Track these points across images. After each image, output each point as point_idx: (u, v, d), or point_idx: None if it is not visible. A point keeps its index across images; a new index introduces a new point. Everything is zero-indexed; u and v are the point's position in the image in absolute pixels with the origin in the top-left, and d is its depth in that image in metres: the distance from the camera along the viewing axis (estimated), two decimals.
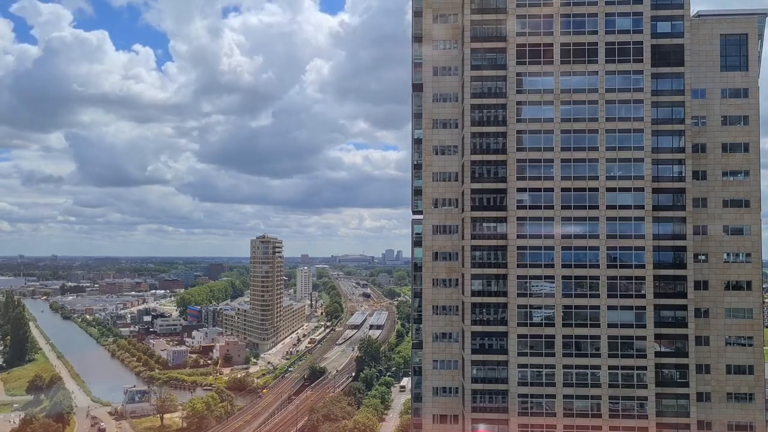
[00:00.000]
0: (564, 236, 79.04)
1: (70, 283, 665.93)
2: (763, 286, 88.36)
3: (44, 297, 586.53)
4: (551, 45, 79.42)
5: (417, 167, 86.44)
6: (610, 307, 78.24)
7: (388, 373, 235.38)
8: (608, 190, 78.77)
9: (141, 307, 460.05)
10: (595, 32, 78.99)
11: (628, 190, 78.72)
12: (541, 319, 79.04)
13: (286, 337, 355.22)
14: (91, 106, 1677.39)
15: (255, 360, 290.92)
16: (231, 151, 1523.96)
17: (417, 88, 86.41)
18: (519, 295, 79.06)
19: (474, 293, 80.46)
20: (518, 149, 79.79)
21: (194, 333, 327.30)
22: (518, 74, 79.89)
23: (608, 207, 78.71)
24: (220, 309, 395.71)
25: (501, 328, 79.96)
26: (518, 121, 79.95)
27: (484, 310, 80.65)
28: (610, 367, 77.84)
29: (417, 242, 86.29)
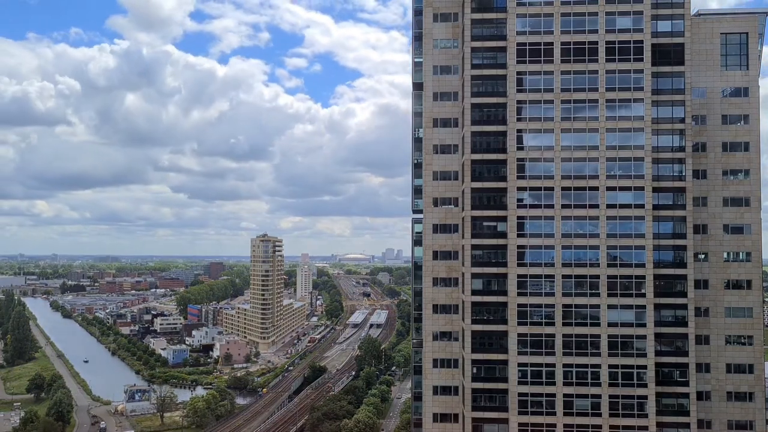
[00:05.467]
0: (564, 235, 79.01)
1: (70, 282, 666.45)
2: (763, 285, 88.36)
3: (44, 296, 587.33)
4: (551, 44, 79.35)
5: (417, 166, 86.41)
6: (610, 306, 78.22)
7: (389, 372, 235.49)
8: (608, 189, 78.74)
9: (141, 305, 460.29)
10: (596, 31, 78.92)
11: (628, 189, 78.68)
12: (541, 318, 78.99)
13: (286, 336, 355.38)
14: None
15: (255, 359, 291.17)
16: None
17: (417, 87, 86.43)
18: (519, 294, 79.02)
19: (474, 292, 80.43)
20: (518, 148, 79.75)
21: (194, 332, 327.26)
22: (518, 73, 79.82)
23: (608, 206, 78.68)
24: (221, 308, 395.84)
25: (501, 327, 79.92)
26: (518, 120, 79.91)
27: (484, 309, 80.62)
28: (610, 366, 77.81)
29: (417, 241, 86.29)
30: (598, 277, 78.46)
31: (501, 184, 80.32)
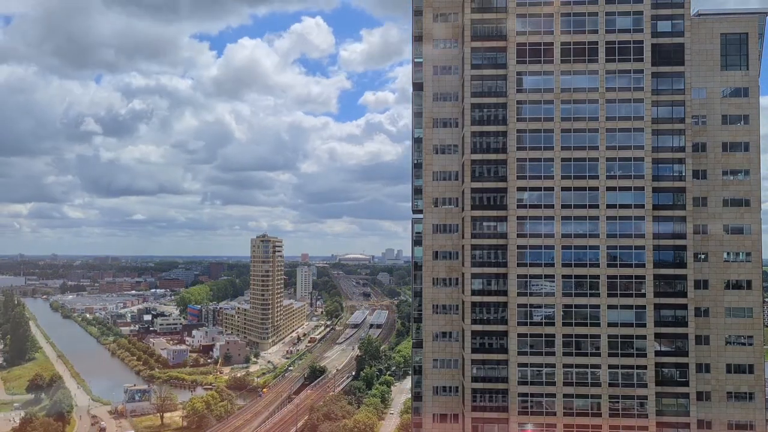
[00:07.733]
0: (564, 235, 79.03)
1: (70, 282, 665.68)
2: (763, 285, 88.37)
3: (44, 296, 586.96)
4: (551, 44, 79.40)
5: (417, 166, 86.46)
6: (610, 307, 78.25)
7: (389, 372, 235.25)
8: (608, 189, 78.79)
9: (141, 306, 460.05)
10: (596, 31, 78.95)
11: (628, 189, 78.73)
12: (541, 318, 79.04)
13: (286, 336, 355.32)
14: None
15: (255, 359, 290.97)
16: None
17: (417, 87, 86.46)
18: (519, 294, 79.07)
19: (474, 292, 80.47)
20: (518, 148, 79.78)
21: (194, 332, 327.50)
22: (518, 73, 79.87)
23: (608, 206, 78.73)
24: (221, 308, 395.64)
25: (501, 327, 79.98)
26: (518, 120, 79.94)
27: (484, 309, 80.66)
28: (610, 366, 77.86)
29: (417, 241, 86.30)
30: (598, 277, 78.49)
31: (501, 184, 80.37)
